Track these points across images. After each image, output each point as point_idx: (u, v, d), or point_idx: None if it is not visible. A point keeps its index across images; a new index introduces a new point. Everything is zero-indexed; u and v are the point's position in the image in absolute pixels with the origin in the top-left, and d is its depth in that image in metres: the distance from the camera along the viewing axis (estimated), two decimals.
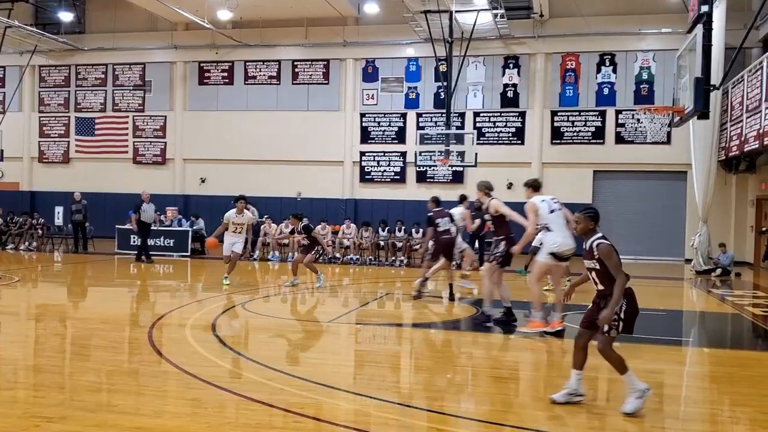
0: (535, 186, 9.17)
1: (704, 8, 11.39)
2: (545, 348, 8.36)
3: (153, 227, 18.78)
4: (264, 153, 25.35)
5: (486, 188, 9.90)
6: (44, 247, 21.73)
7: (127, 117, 26.94)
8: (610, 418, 5.39)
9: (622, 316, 5.40)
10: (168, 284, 14.76)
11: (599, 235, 5.49)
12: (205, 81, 26.39)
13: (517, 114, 23.93)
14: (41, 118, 27.75)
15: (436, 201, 12.19)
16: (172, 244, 19.76)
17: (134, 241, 19.31)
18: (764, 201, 20.45)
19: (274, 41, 25.45)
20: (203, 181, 26.04)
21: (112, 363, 6.83)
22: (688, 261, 20.66)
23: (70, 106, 27.49)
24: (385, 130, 24.96)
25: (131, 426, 4.84)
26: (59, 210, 23.47)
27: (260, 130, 25.44)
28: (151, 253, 18.27)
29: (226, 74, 26.19)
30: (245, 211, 13.18)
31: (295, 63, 25.52)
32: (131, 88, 26.94)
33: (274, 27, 25.25)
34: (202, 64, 26.35)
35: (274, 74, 25.74)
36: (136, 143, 26.83)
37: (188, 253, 19.56)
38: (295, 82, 25.56)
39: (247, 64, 25.93)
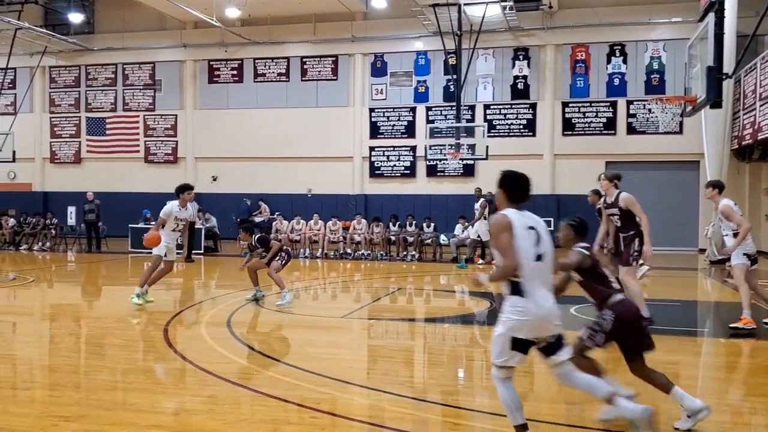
0: (720, 187, 8.98)
1: None
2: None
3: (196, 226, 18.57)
4: (274, 150, 25.38)
5: (615, 178, 8.95)
6: (57, 247, 21.89)
7: (138, 116, 27.04)
8: None
9: (605, 327, 4.84)
10: (182, 282, 14.83)
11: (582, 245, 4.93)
12: (214, 79, 26.44)
13: (528, 106, 23.83)
14: (52, 119, 27.91)
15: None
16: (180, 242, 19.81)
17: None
18: None
19: (282, 38, 25.45)
20: (215, 180, 26.11)
21: (128, 361, 6.88)
22: (702, 251, 20.52)
23: (80, 106, 27.62)
24: (394, 125, 24.93)
25: (148, 424, 4.87)
26: (72, 210, 23.60)
27: (270, 127, 25.46)
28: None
29: (235, 72, 26.22)
30: (188, 204, 10.81)
31: (304, 59, 25.51)
32: (141, 87, 27.02)
33: (283, 24, 25.24)
34: (211, 63, 26.39)
35: (283, 71, 25.74)
36: (147, 142, 26.94)
37: (201, 251, 19.64)
38: (303, 78, 25.56)
39: (256, 61, 25.95)
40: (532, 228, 4.24)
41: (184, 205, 10.45)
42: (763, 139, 17.44)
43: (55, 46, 25.90)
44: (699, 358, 7.51)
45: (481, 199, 17.48)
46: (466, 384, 6.39)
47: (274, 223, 19.94)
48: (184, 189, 10.65)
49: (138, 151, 26.91)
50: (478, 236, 17.31)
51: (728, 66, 13.39)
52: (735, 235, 8.53)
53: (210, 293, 12.91)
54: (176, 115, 26.74)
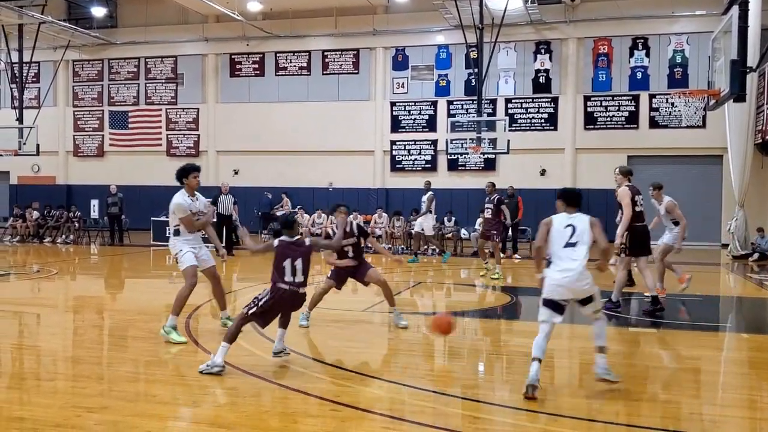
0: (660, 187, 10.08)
1: None
2: (579, 334, 8.32)
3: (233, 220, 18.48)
4: (295, 144, 25.48)
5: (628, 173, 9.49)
6: (81, 240, 22.18)
7: (160, 110, 27.29)
8: (645, 404, 5.36)
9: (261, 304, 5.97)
10: (203, 275, 14.96)
11: None
12: (236, 73, 26.59)
13: (550, 99, 23.68)
14: (75, 113, 28.26)
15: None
16: (205, 236, 19.95)
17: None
18: None
19: (304, 32, 25.52)
20: (236, 173, 26.28)
21: (150, 353, 6.97)
22: (725, 246, 20.30)
23: (103, 100, 27.93)
24: (415, 119, 24.91)
25: (170, 415, 4.95)
26: (95, 203, 23.89)
27: (291, 120, 25.56)
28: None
29: (257, 66, 26.35)
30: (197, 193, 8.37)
31: (325, 53, 25.56)
32: (164, 81, 27.26)
33: (304, 17, 25.31)
34: (233, 56, 26.54)
35: (305, 65, 25.82)
36: (169, 136, 27.18)
37: (223, 244, 19.75)
38: (325, 72, 25.62)
39: (278, 55, 26.05)
40: (570, 225, 5.75)
41: (191, 192, 7.98)
42: None
43: (79, 40, 26.20)
44: (721, 353, 7.45)
45: (429, 193, 17.12)
46: (486, 378, 6.41)
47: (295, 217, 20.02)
48: (186, 172, 7.96)
49: (160, 145, 27.18)
50: (422, 229, 17.00)
51: (752, 59, 13.23)
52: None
53: (231, 286, 13.02)
54: (198, 109, 26.94)
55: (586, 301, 5.70)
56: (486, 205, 14.23)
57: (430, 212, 16.89)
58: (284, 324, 6.45)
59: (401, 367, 6.61)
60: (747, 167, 19.02)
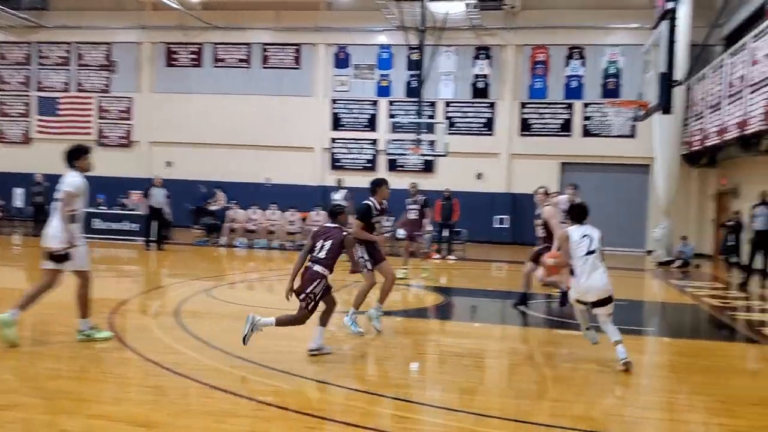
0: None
1: (670, 4, 11.54)
2: (509, 335, 8.46)
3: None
4: (232, 137, 25.08)
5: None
6: (2, 229, 21.24)
7: (92, 98, 26.40)
8: (570, 405, 5.47)
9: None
10: (131, 270, 14.56)
11: None
12: (172, 63, 25.97)
13: (488, 105, 24.03)
14: (0, 97, 27.04)
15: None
16: (136, 229, 19.46)
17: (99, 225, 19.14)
18: (724, 195, 20.88)
19: (244, 24, 25.13)
20: (169, 165, 25.66)
21: (72, 349, 6.70)
22: (650, 252, 21.02)
23: (31, 85, 26.80)
24: (356, 117, 24.88)
25: (91, 413, 4.77)
26: (19, 192, 22.95)
27: (229, 113, 25.15)
28: (117, 238, 17.98)
29: (194, 56, 25.80)
30: (157, 190, 8.13)
31: (266, 47, 25.25)
32: (96, 68, 26.38)
33: (245, 9, 24.92)
34: (170, 46, 25.92)
35: (245, 57, 25.44)
36: (100, 125, 26.33)
37: (154, 238, 19.27)
38: (265, 65, 25.30)
39: (217, 46, 25.59)
40: (585, 236, 6.61)
41: (84, 169, 7.30)
42: (710, 146, 17.95)
43: (5, 21, 25.06)
44: (643, 357, 7.69)
45: (346, 191, 16.89)
46: (417, 378, 6.42)
47: (229, 212, 19.70)
48: (81, 153, 7.37)
49: (90, 134, 26.24)
50: None
51: (680, 73, 13.74)
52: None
53: (160, 282, 12.70)
54: (132, 98, 26.20)
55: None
56: (411, 207, 14.30)
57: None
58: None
59: (331, 367, 6.55)
60: (673, 177, 19.74)
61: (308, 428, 4.65)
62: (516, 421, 4.95)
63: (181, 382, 5.56)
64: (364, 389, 5.60)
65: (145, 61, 26.13)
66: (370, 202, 8.03)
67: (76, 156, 7.27)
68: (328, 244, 6.63)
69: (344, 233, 6.77)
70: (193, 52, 25.76)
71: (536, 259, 9.52)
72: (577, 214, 6.84)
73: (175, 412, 4.86)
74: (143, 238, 17.95)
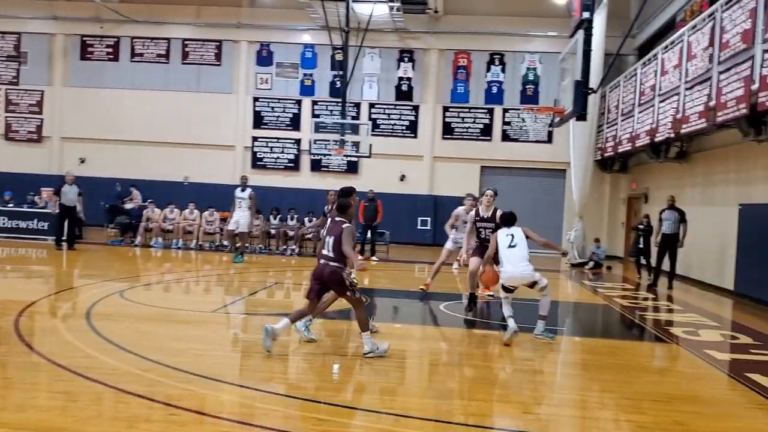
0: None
1: (586, 14, 11.93)
2: (429, 336, 8.56)
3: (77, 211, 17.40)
4: (150, 134, 24.39)
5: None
6: None
7: None
8: (487, 405, 5.58)
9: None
10: (41, 270, 13.92)
11: None
12: (87, 56, 25.03)
13: (411, 108, 24.26)
14: None
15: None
16: (46, 227, 18.63)
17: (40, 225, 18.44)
18: (634, 199, 21.83)
19: (163, 18, 24.49)
20: (83, 162, 24.71)
21: None
22: (564, 255, 21.68)
23: None
24: (279, 116, 24.64)
25: None
26: None
27: (147, 109, 24.44)
28: (26, 237, 17.17)
29: (111, 50, 24.95)
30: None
31: (186, 42, 24.68)
32: (3, 58, 25.12)
33: (164, 3, 24.32)
34: (84, 38, 24.96)
35: (163, 53, 24.78)
36: (8, 118, 25.08)
37: (64, 237, 18.48)
38: (185, 61, 24.73)
39: (134, 40, 24.82)
40: (510, 234, 8.18)
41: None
42: (622, 152, 18.71)
43: None
44: (557, 355, 7.92)
45: (250, 190, 16.34)
46: (337, 380, 6.40)
47: (145, 211, 19.11)
48: None
49: None
50: (237, 227, 15.74)
51: (595, 81, 14.25)
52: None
53: (71, 283, 12.19)
54: (43, 91, 25.10)
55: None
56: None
57: (249, 209, 15.83)
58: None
59: (252, 371, 6.45)
60: (587, 182, 20.47)
61: None
62: (435, 421, 5.00)
63: (92, 387, 5.35)
64: (282, 392, 5.54)
65: (57, 53, 25.08)
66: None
67: None
68: (330, 240, 6.89)
69: (344, 226, 6.87)
70: (109, 46, 24.92)
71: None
72: (506, 220, 8.42)
73: (85, 417, 4.66)
74: (54, 237, 17.21)
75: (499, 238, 8.26)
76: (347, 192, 7.33)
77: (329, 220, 7.16)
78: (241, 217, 15.34)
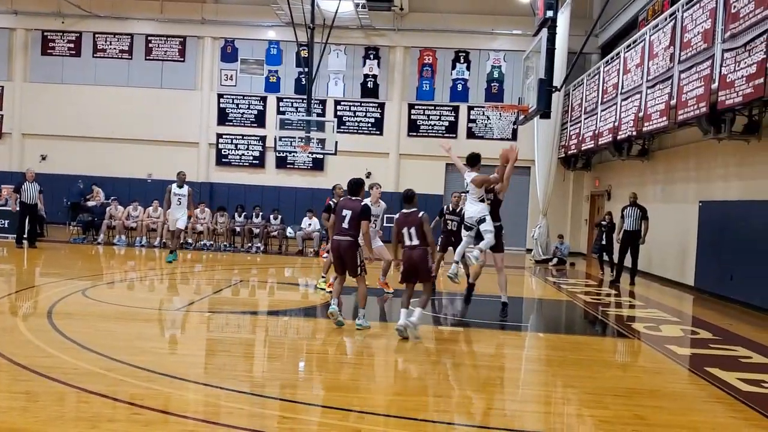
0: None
1: (549, 13, 12.08)
2: (393, 332, 8.60)
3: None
4: (113, 130, 24.00)
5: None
6: None
7: None
8: (453, 401, 5.64)
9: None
10: (0, 268, 13.63)
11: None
12: (48, 51, 24.53)
13: (377, 105, 24.28)
14: None
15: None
16: (6, 225, 18.23)
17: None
18: (597, 196, 22.16)
19: (126, 13, 24.11)
20: (44, 159, 24.22)
21: None
22: (529, 251, 21.97)
23: None
24: (244, 113, 24.44)
25: None
26: None
27: (109, 106, 24.05)
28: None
29: (72, 45, 24.48)
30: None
31: (149, 38, 24.33)
32: None
33: None
34: (45, 33, 24.46)
35: (126, 48, 24.40)
36: None
37: (24, 235, 18.11)
38: (148, 57, 24.38)
39: (97, 36, 24.40)
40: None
41: None
42: (586, 150, 18.98)
43: None
44: (521, 351, 8.02)
45: (187, 187, 16.02)
46: (304, 377, 6.40)
47: (108, 209, 18.82)
48: None
49: None
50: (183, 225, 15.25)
51: (558, 80, 14.44)
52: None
53: (32, 281, 11.96)
54: (2, 87, 24.54)
55: None
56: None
57: (188, 207, 15.50)
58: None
59: (217, 369, 6.42)
60: (551, 179, 20.71)
61: None
62: (399, 417, 5.04)
63: (54, 387, 5.27)
64: (247, 390, 5.52)
65: (18, 48, 24.54)
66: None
67: None
68: (412, 231, 7.89)
69: (420, 215, 7.95)
70: (70, 41, 24.45)
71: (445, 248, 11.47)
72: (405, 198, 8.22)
73: (46, 418, 4.59)
74: (14, 235, 16.86)
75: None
76: (359, 182, 8.32)
77: (344, 200, 8.34)
78: (183, 215, 14.95)
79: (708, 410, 5.72)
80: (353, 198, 8.25)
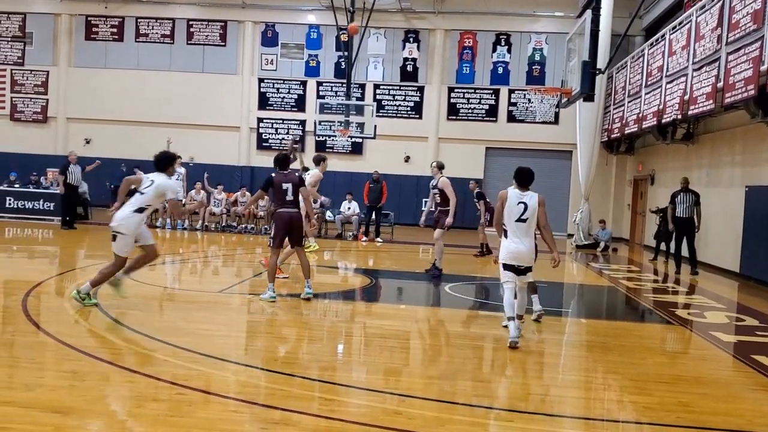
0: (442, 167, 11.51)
1: None
2: (433, 316, 8.58)
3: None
4: (155, 114, 24.35)
5: (441, 167, 11.53)
6: None
7: (5, 70, 25.09)
8: (492, 386, 5.60)
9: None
10: (47, 250, 13.98)
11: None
12: (92, 36, 24.95)
13: (416, 88, 24.14)
14: None
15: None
16: (52, 208, 18.68)
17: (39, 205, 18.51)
18: (640, 181, 21.75)
19: None
20: (88, 142, 24.73)
21: None
22: (570, 236, 21.70)
23: None
24: (284, 97, 24.56)
25: (0, 401, 4.55)
26: None
27: (151, 90, 24.40)
28: (32, 217, 17.24)
29: (115, 30, 24.86)
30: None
31: (191, 22, 24.56)
32: (9, 39, 25.06)
33: None
34: (89, 18, 24.88)
35: (168, 33, 24.68)
36: (14, 99, 25.08)
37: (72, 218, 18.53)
38: (189, 42, 24.63)
39: (139, 20, 24.72)
40: (522, 203, 6.86)
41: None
42: (629, 134, 18.61)
43: None
44: (562, 337, 7.94)
45: (183, 169, 16.20)
46: (344, 360, 6.43)
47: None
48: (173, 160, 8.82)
49: (3, 108, 25.02)
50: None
51: (602, 62, 14.15)
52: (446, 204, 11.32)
53: (77, 263, 12.25)
54: (48, 72, 25.07)
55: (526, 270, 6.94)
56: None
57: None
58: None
59: (257, 350, 6.49)
60: (593, 163, 20.38)
61: (232, 412, 4.59)
62: (438, 401, 5.03)
63: (100, 367, 5.39)
64: (288, 372, 5.57)
65: (62, 33, 25.01)
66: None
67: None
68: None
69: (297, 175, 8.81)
70: (113, 26, 24.82)
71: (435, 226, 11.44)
72: (516, 177, 7.14)
73: (93, 397, 4.70)
74: (60, 218, 17.28)
75: (508, 203, 6.91)
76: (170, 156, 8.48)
77: (277, 175, 8.98)
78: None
79: (754, 398, 5.59)
80: (285, 172, 8.92)
